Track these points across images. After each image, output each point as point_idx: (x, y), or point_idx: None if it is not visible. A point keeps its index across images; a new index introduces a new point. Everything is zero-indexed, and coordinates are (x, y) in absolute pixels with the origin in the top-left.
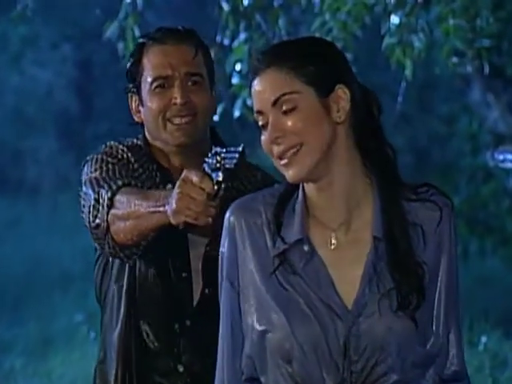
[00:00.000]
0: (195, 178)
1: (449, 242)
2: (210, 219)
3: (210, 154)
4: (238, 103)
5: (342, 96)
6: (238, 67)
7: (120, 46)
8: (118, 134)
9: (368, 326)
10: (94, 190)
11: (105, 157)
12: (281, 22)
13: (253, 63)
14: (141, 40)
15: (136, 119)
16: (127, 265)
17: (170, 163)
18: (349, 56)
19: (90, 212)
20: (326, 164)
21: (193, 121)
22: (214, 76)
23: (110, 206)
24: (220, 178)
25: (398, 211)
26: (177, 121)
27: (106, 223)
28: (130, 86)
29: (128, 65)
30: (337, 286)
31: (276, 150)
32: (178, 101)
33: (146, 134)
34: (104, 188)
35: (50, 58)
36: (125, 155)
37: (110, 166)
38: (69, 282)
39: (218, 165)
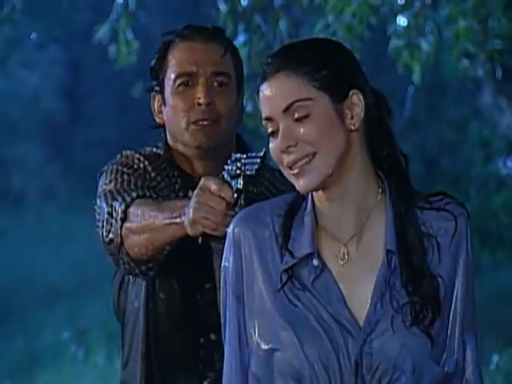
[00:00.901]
0: (214, 187)
1: (465, 253)
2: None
3: (229, 161)
4: None
5: (357, 102)
6: None
7: (111, 48)
8: (109, 141)
9: (380, 343)
10: (107, 203)
11: (120, 167)
12: (281, 23)
13: (261, 67)
14: (167, 38)
15: (158, 120)
16: (145, 280)
17: (193, 169)
18: None
19: (103, 226)
20: (338, 173)
21: (216, 124)
22: (242, 81)
23: (124, 219)
24: (240, 186)
25: (411, 222)
26: (200, 122)
27: (119, 237)
28: (154, 84)
29: (152, 62)
30: (348, 301)
31: (287, 159)
32: (202, 100)
33: (168, 137)
34: (117, 200)
35: (36, 59)
36: (141, 164)
37: (125, 176)
38: (56, 297)
39: (237, 171)
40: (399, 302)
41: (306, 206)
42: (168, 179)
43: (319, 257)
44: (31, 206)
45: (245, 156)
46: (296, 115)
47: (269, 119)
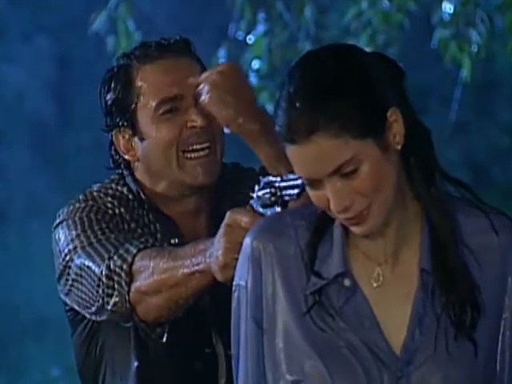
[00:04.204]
0: (245, 219)
1: None
2: None
3: (257, 187)
4: None
5: (395, 118)
6: (255, 65)
7: (110, 40)
8: (106, 146)
9: (420, 376)
10: (96, 264)
11: (92, 215)
12: (307, 10)
13: (283, 125)
14: (125, 62)
15: (128, 158)
16: (134, 343)
17: (173, 208)
18: (392, 52)
19: (98, 292)
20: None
21: (212, 150)
22: None
23: (130, 281)
24: None
25: (449, 238)
26: (194, 154)
27: (128, 304)
28: (116, 120)
29: (112, 94)
30: (383, 328)
31: (343, 216)
32: (198, 123)
33: (140, 175)
34: (113, 259)
35: (20, 52)
36: (116, 210)
37: (103, 225)
38: (44, 328)
39: (273, 198)
40: (440, 326)
41: (334, 218)
42: (147, 228)
43: (351, 277)
44: (15, 222)
45: (279, 179)
46: (343, 172)
47: (308, 179)
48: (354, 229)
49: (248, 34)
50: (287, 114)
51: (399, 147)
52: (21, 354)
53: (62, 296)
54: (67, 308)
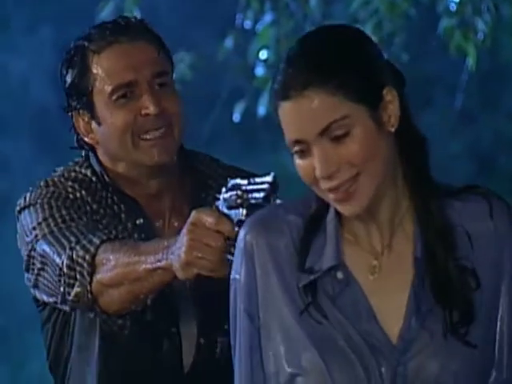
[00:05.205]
0: (210, 220)
1: (510, 262)
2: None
3: (224, 189)
4: (264, 99)
5: (391, 99)
6: (262, 55)
7: None
8: None
9: (417, 364)
10: (57, 253)
11: (53, 202)
12: (312, 0)
13: (278, 79)
14: (80, 45)
15: (88, 141)
16: (97, 326)
17: (137, 190)
18: (398, 41)
19: (60, 282)
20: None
21: (169, 132)
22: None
23: (92, 272)
24: (243, 217)
25: (440, 225)
26: (150, 135)
27: (90, 294)
28: (74, 103)
29: (68, 78)
30: (380, 319)
31: (327, 185)
32: (151, 110)
33: (102, 157)
34: (75, 250)
35: (24, 43)
36: (77, 194)
37: (63, 212)
38: None
39: (239, 201)
40: (436, 315)
41: (328, 211)
42: (111, 209)
43: (345, 269)
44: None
45: (246, 182)
46: (333, 134)
47: (298, 142)
48: (342, 208)
49: (255, 23)
50: (284, 72)
51: (393, 129)
52: (22, 345)
53: (31, 289)
54: (38, 300)
